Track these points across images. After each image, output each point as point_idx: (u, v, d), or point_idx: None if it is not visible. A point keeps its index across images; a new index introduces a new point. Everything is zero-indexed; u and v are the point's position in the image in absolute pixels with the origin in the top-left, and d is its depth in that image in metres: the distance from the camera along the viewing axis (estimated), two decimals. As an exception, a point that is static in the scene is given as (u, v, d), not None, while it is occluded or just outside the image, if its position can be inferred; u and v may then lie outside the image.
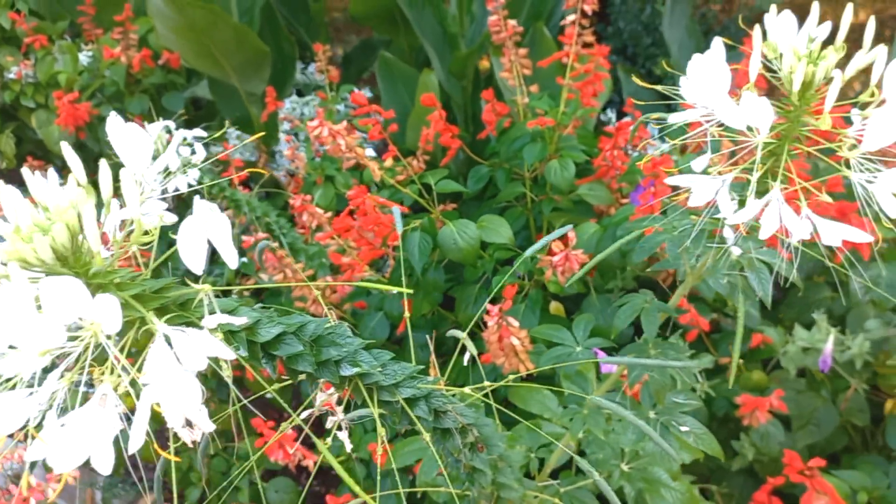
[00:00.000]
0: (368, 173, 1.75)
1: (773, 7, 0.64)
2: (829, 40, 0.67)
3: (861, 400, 1.45)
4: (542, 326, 1.02)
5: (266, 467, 1.91)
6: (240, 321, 0.46)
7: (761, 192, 0.64)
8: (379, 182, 1.70)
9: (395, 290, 0.59)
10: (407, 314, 0.77)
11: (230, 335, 0.52)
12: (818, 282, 1.57)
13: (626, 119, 2.06)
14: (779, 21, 0.64)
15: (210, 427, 0.45)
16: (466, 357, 0.85)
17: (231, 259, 0.44)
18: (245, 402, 0.73)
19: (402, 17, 2.70)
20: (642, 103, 0.86)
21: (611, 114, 2.40)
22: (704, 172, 0.66)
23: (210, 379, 1.87)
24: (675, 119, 0.68)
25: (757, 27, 0.62)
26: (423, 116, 1.98)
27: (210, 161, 2.29)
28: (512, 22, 1.73)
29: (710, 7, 3.12)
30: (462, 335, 0.88)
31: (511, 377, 0.79)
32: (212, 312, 0.45)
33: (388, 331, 1.73)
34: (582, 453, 1.18)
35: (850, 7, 0.63)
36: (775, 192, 0.62)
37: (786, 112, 0.64)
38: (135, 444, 0.41)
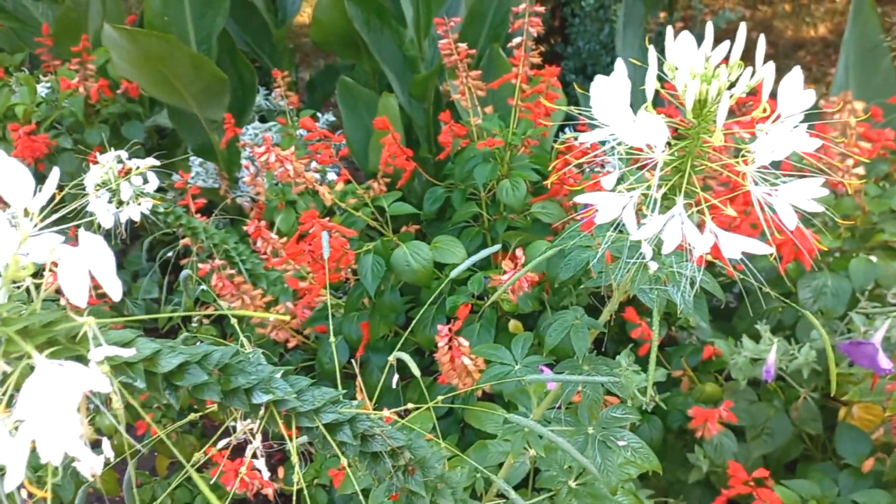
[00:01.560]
0: (333, 196, 1.76)
1: (670, 29, 0.65)
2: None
3: (813, 408, 1.46)
4: (482, 346, 1.03)
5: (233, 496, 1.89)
6: (128, 353, 0.46)
7: (668, 206, 0.65)
8: (334, 206, 1.70)
9: (268, 315, 0.59)
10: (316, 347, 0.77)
11: (128, 367, 0.52)
12: (768, 292, 1.58)
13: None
14: (677, 42, 0.66)
15: (95, 462, 0.45)
16: (395, 379, 0.85)
17: (114, 291, 0.44)
18: (166, 431, 0.72)
19: (362, 41, 2.72)
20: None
21: (569, 132, 2.43)
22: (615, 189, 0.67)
23: (170, 409, 1.85)
24: (584, 139, 0.70)
25: (651, 48, 0.64)
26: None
27: (169, 189, 2.29)
28: (462, 45, 1.74)
29: (667, 26, 3.17)
30: (392, 358, 0.88)
31: (414, 409, 0.80)
32: (99, 345, 0.46)
33: (347, 354, 1.73)
34: (538, 471, 1.18)
35: (743, 26, 0.65)
36: (678, 207, 0.63)
37: (687, 129, 0.65)
38: (11, 482, 0.41)
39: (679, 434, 1.52)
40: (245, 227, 1.69)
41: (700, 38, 0.69)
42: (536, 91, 1.82)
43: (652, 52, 0.63)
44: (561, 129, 2.49)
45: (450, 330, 1.29)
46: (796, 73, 0.62)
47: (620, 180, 0.67)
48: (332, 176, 2.12)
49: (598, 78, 0.65)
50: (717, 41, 0.69)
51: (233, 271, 1.81)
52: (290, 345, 1.89)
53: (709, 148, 0.65)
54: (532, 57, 1.64)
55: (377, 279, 1.50)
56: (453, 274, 0.82)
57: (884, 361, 1.10)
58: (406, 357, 1.02)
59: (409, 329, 0.90)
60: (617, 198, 0.64)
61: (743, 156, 0.65)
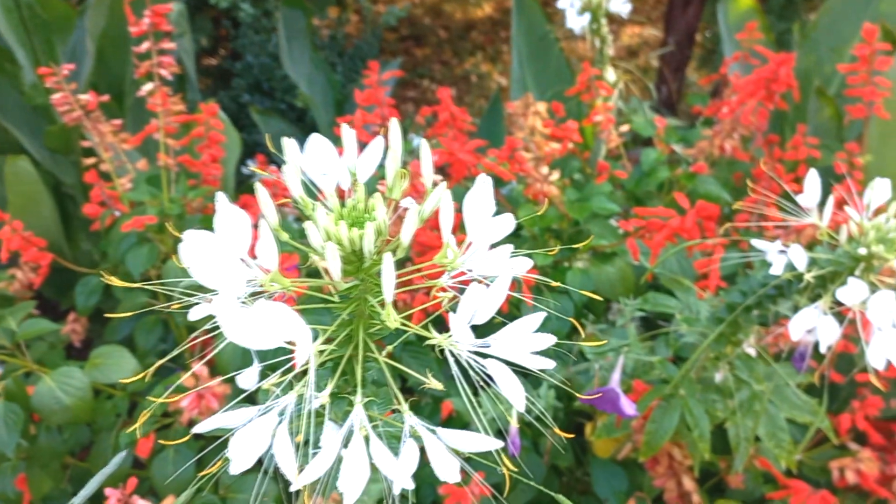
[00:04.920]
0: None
1: (290, 142, 0.42)
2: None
3: (560, 440, 1.36)
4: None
5: None
6: None
7: (348, 408, 0.42)
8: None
9: None
10: None
11: None
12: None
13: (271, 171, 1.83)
14: (307, 155, 0.42)
15: None
16: None
17: None
18: None
19: (-27, 90, 2.17)
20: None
21: (252, 165, 2.15)
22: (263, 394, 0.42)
23: None
24: (194, 315, 0.44)
25: (258, 185, 0.39)
26: (24, 216, 1.56)
27: None
28: (85, 97, 1.38)
29: (339, 29, 2.98)
30: None
31: None
32: None
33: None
34: None
35: (394, 122, 0.43)
36: (355, 413, 0.40)
37: (347, 290, 0.42)
38: None
39: (434, 508, 1.34)
40: None
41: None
42: (196, 136, 1.52)
43: (264, 196, 0.38)
44: (244, 162, 2.19)
45: (122, 494, 0.96)
46: (482, 187, 0.41)
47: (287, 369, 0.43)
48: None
49: (188, 234, 0.40)
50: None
51: None
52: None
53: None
54: (174, 104, 1.33)
55: (16, 432, 1.11)
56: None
57: (627, 407, 1.00)
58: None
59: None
60: (261, 422, 0.40)
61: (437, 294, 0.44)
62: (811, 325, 0.74)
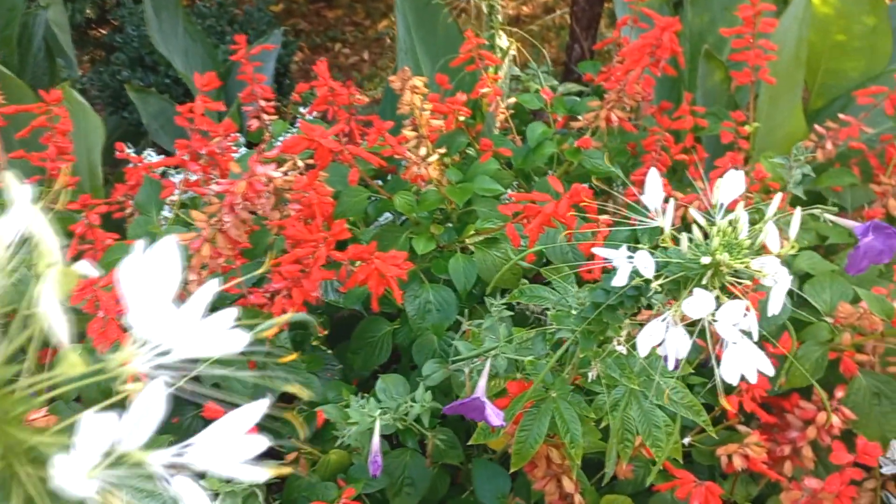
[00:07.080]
0: None
1: None
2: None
3: (449, 438, 1.29)
4: None
5: None
6: None
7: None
8: None
9: None
10: None
11: None
12: (377, 317, 1.38)
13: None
14: None
15: None
16: None
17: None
18: None
19: None
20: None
21: (128, 150, 1.99)
22: None
23: None
24: None
25: None
26: None
27: None
28: None
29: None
30: None
31: None
32: None
33: None
34: None
35: (19, 184, 0.32)
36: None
37: None
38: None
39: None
40: None
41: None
42: (37, 126, 1.38)
43: None
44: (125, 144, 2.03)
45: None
46: (147, 255, 0.31)
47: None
48: None
49: None
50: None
51: None
52: None
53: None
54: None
55: None
56: None
57: (493, 417, 0.93)
58: None
59: None
60: None
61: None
62: (658, 340, 0.67)
